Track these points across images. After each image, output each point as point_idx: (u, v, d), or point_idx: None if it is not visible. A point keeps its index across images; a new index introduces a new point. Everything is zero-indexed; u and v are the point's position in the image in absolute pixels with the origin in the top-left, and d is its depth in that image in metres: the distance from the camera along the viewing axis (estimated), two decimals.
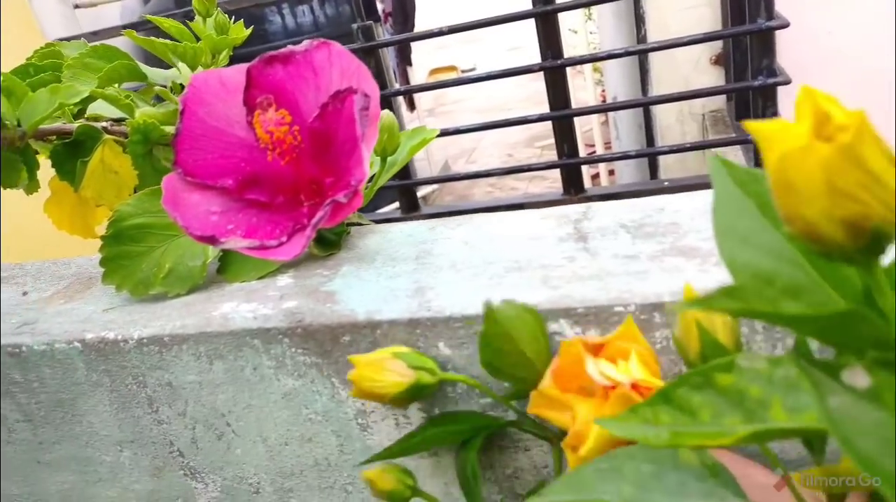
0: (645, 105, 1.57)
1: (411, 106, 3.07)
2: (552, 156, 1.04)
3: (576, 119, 0.99)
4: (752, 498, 0.23)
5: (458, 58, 4.79)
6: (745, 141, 0.96)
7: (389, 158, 0.44)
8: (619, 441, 0.27)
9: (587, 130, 2.52)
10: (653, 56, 1.40)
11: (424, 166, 2.84)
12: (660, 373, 0.29)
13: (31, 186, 0.53)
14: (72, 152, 0.49)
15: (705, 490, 0.23)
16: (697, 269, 0.34)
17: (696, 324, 0.26)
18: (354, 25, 0.98)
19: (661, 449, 0.24)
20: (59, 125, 0.49)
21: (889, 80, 1.12)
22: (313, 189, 0.39)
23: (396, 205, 1.08)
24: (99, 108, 0.51)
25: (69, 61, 0.51)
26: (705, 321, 0.26)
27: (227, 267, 0.44)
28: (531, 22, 0.91)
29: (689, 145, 0.98)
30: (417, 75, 3.57)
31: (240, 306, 0.40)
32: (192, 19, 0.55)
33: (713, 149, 1.09)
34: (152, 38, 0.51)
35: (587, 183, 1.02)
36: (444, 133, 0.68)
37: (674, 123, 1.42)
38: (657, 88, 1.41)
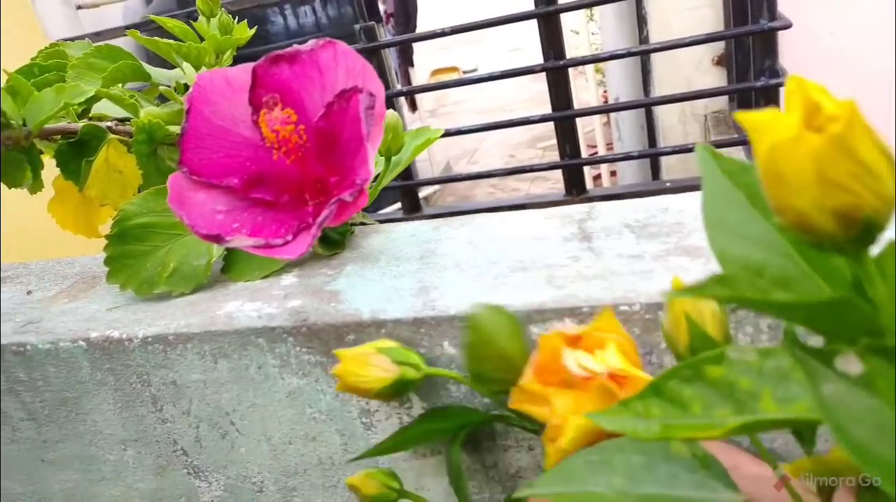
0: (647, 106, 1.57)
1: (413, 107, 3.07)
2: (554, 156, 1.04)
3: (578, 120, 0.99)
4: (742, 488, 0.23)
5: (459, 59, 4.79)
6: (747, 142, 0.96)
7: (394, 158, 0.44)
8: (598, 433, 0.27)
9: (589, 131, 2.52)
10: (655, 57, 1.40)
11: (426, 167, 2.84)
12: (640, 363, 0.29)
13: (35, 186, 0.53)
14: (76, 152, 0.49)
15: (696, 481, 0.23)
16: (702, 269, 0.34)
17: (685, 316, 0.26)
18: (357, 26, 0.98)
19: (652, 441, 0.24)
20: (64, 124, 0.49)
21: (890, 80, 1.12)
22: (318, 188, 0.39)
23: (398, 205, 1.08)
24: (103, 107, 0.51)
25: (73, 61, 0.51)
26: (694, 314, 0.26)
27: (231, 266, 0.44)
28: (533, 23, 0.91)
29: (691, 146, 0.98)
30: (419, 76, 3.57)
31: (244, 305, 0.40)
32: (195, 20, 0.55)
33: None
34: (156, 38, 0.51)
35: (589, 184, 1.02)
36: (446, 133, 0.68)
37: (676, 124, 1.42)
38: (659, 89, 1.41)
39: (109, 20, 1.63)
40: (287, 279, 0.42)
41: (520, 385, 0.30)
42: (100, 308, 0.44)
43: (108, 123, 0.50)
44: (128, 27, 0.67)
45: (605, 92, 2.34)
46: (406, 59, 3.21)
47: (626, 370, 0.27)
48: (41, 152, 0.52)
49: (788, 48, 0.96)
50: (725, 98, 1.36)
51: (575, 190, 1.00)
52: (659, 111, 1.50)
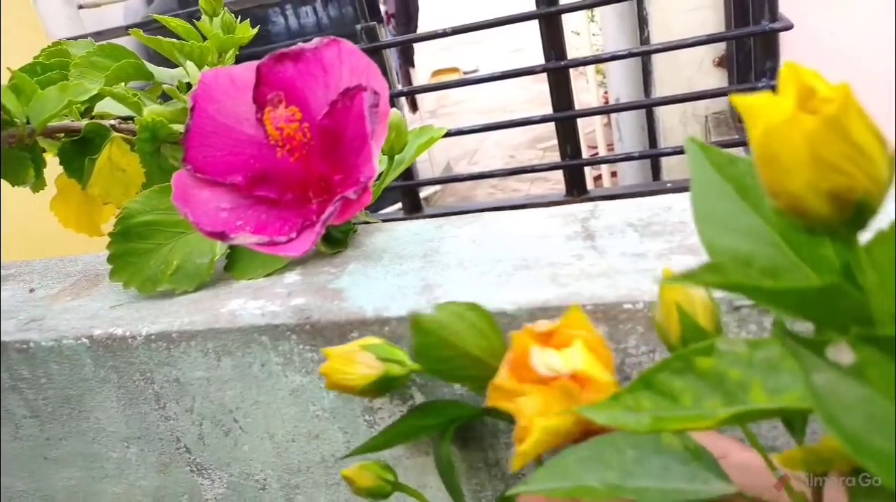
0: (648, 106, 1.57)
1: (414, 107, 3.08)
2: (554, 157, 1.04)
3: (578, 120, 0.99)
4: (731, 477, 0.23)
5: (460, 59, 4.80)
6: (747, 142, 0.96)
7: (397, 156, 0.44)
8: (565, 434, 0.26)
9: (590, 132, 2.53)
10: (656, 58, 1.41)
11: (426, 167, 2.84)
12: (611, 360, 0.29)
13: (38, 184, 0.53)
14: (80, 150, 0.50)
15: (688, 473, 0.23)
16: None
17: (676, 307, 0.26)
18: (358, 26, 0.98)
19: (644, 434, 0.24)
20: (68, 122, 0.49)
21: (890, 81, 1.12)
22: (322, 186, 0.39)
23: (399, 205, 1.09)
24: (107, 106, 0.51)
25: (76, 60, 0.52)
26: (686, 305, 0.26)
27: (234, 264, 0.44)
28: (533, 24, 0.92)
29: None
30: (420, 76, 3.57)
31: (247, 303, 0.40)
32: (196, 20, 0.55)
33: None
34: (159, 37, 0.52)
35: (590, 184, 1.02)
36: (447, 134, 0.68)
37: (677, 125, 1.42)
38: (660, 90, 1.42)
39: (110, 20, 1.63)
40: (290, 277, 0.42)
41: (495, 382, 0.29)
42: (103, 305, 0.44)
43: (112, 122, 0.50)
44: (129, 27, 0.67)
45: (606, 93, 2.34)
46: (407, 60, 3.22)
47: (587, 372, 0.27)
48: (44, 150, 0.52)
49: (789, 49, 0.97)
50: (726, 99, 1.36)
51: (576, 190, 1.00)
52: (660, 112, 1.50)
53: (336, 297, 0.38)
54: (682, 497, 0.22)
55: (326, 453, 0.41)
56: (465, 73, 4.52)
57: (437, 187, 2.87)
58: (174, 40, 0.52)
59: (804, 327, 0.25)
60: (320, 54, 0.37)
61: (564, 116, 0.95)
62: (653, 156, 1.48)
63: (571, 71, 0.97)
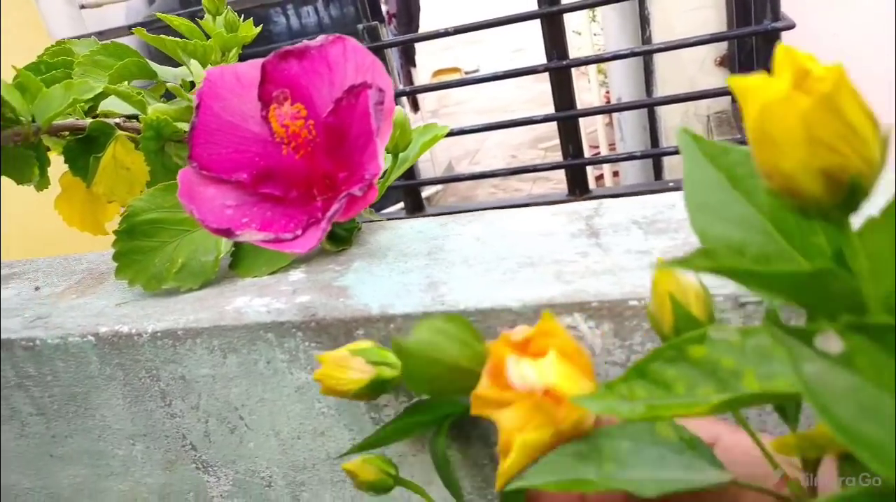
0: (650, 106, 1.57)
1: (415, 107, 3.08)
2: (555, 157, 1.04)
3: (580, 120, 0.99)
4: (724, 461, 0.23)
5: (461, 59, 4.80)
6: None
7: (401, 154, 0.44)
8: (546, 447, 0.25)
9: (591, 132, 2.53)
10: (658, 57, 1.41)
11: (428, 167, 2.84)
12: (590, 366, 0.28)
13: (42, 183, 0.53)
14: (84, 148, 0.50)
15: (684, 462, 0.23)
16: None
17: (669, 297, 0.26)
18: (360, 26, 0.98)
19: (638, 423, 0.24)
20: (73, 121, 0.49)
21: (891, 81, 1.12)
22: (327, 183, 0.39)
23: (401, 205, 1.09)
24: (111, 104, 0.51)
25: (80, 59, 0.52)
26: (679, 294, 0.26)
27: (239, 262, 0.44)
28: (535, 24, 0.92)
29: None
30: (421, 76, 3.57)
31: (253, 300, 0.40)
32: (200, 18, 0.55)
33: None
34: (162, 35, 0.52)
35: (592, 184, 1.02)
36: (449, 133, 0.68)
37: (679, 124, 1.42)
38: (662, 89, 1.42)
39: (112, 20, 1.64)
40: (295, 275, 0.42)
41: (477, 392, 0.28)
42: (108, 303, 0.44)
43: (116, 120, 0.50)
44: (132, 26, 0.67)
45: (608, 92, 2.34)
46: (408, 60, 3.22)
47: (558, 388, 0.25)
48: (48, 149, 0.52)
49: None
50: (728, 98, 1.36)
51: (578, 190, 1.00)
52: (661, 111, 1.50)
53: (341, 295, 0.39)
54: (678, 486, 0.22)
55: (332, 450, 0.41)
56: (466, 72, 4.53)
57: (439, 187, 2.87)
58: (178, 39, 0.52)
59: (801, 323, 0.25)
60: (325, 52, 0.37)
61: (566, 116, 0.95)
62: (655, 155, 1.48)
63: (573, 70, 0.97)
